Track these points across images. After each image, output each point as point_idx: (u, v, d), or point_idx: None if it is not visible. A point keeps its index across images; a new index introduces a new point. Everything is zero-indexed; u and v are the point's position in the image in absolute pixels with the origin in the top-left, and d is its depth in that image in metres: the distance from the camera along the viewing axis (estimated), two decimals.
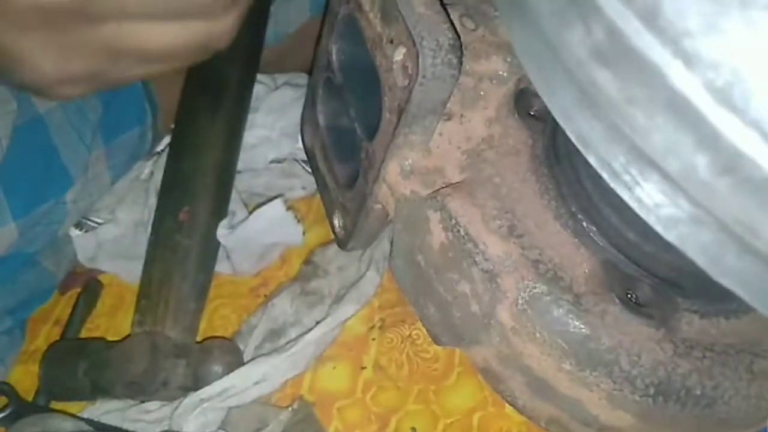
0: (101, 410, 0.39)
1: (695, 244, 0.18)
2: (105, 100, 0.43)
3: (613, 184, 0.18)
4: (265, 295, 0.44)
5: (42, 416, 0.39)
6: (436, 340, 0.32)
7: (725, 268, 0.18)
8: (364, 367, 0.41)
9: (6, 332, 0.40)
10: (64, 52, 0.27)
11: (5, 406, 0.39)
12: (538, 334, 0.28)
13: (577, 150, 0.29)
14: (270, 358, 0.38)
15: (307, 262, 0.43)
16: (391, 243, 0.35)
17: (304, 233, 0.44)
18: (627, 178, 0.17)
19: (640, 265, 0.29)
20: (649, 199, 0.17)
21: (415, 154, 0.30)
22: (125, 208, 0.45)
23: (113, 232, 0.45)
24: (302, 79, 0.50)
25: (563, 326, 0.27)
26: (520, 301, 0.28)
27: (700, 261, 0.18)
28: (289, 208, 0.43)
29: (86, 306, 0.45)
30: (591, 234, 0.29)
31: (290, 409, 0.38)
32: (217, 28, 0.29)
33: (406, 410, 0.39)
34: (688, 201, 0.17)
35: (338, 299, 0.42)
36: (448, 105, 0.30)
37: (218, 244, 0.43)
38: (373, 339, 0.41)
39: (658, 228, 0.18)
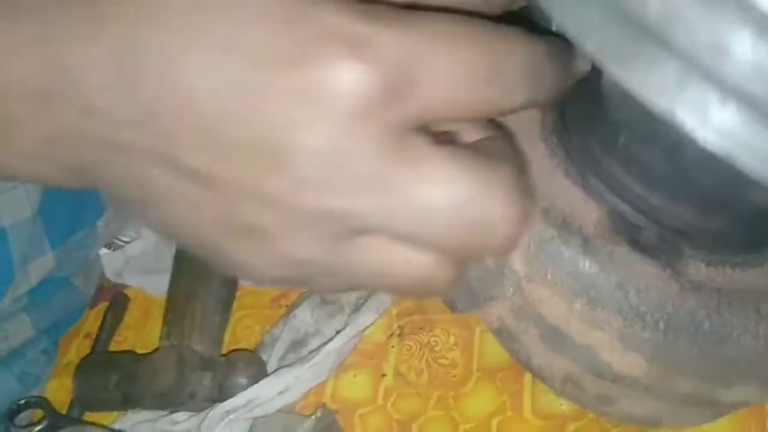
0: (132, 421, 0.41)
1: (753, 151, 0.19)
2: None
3: (658, 103, 0.18)
4: (286, 306, 0.45)
5: (76, 428, 0.40)
6: (453, 308, 0.34)
7: None
8: (385, 375, 0.42)
9: (42, 351, 0.42)
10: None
11: (42, 419, 0.41)
12: (549, 276, 0.29)
13: (584, 116, 0.31)
14: (293, 369, 0.39)
15: None
16: None
17: None
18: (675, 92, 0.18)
19: (647, 215, 0.30)
20: (699, 109, 0.18)
21: None
22: None
23: (139, 248, 0.47)
24: None
25: (573, 266, 0.29)
26: (532, 246, 0.29)
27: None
28: None
29: (114, 319, 0.46)
30: (599, 189, 0.30)
31: (314, 417, 0.39)
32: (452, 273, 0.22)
33: (426, 416, 0.40)
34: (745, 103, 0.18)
35: (357, 308, 0.43)
36: None
37: None
38: (393, 347, 0.43)
39: (713, 142, 0.18)
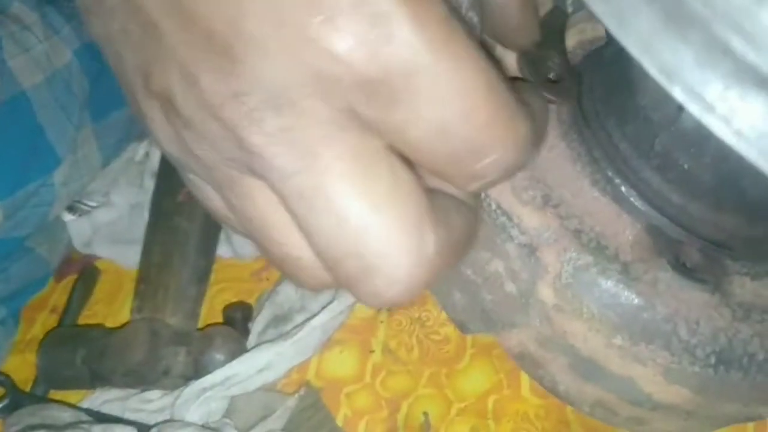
0: (101, 399, 0.38)
1: None
2: (92, 76, 0.41)
3: (705, 119, 0.15)
4: (268, 279, 0.43)
5: (40, 406, 0.37)
6: (463, 329, 0.30)
7: None
8: (373, 351, 0.39)
9: (0, 323, 0.39)
10: None
11: (2, 397, 0.38)
12: (585, 309, 0.26)
13: (609, 110, 0.28)
14: (275, 345, 0.36)
15: None
16: None
17: None
18: (724, 107, 0.15)
19: (686, 228, 0.27)
20: (751, 128, 0.15)
21: None
22: (120, 190, 0.43)
23: (108, 215, 0.44)
24: None
25: (613, 298, 0.26)
26: (564, 275, 0.26)
27: None
28: None
29: (83, 293, 0.43)
30: (631, 198, 0.27)
31: (297, 395, 0.37)
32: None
33: (417, 395, 0.38)
34: None
35: None
36: None
37: (219, 226, 0.42)
38: (382, 321, 0.40)
39: (763, 163, 0.15)
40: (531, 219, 0.27)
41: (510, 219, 0.27)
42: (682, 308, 0.26)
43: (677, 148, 0.26)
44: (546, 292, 0.27)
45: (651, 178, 0.27)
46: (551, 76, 0.29)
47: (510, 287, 0.27)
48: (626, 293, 0.26)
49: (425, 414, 0.37)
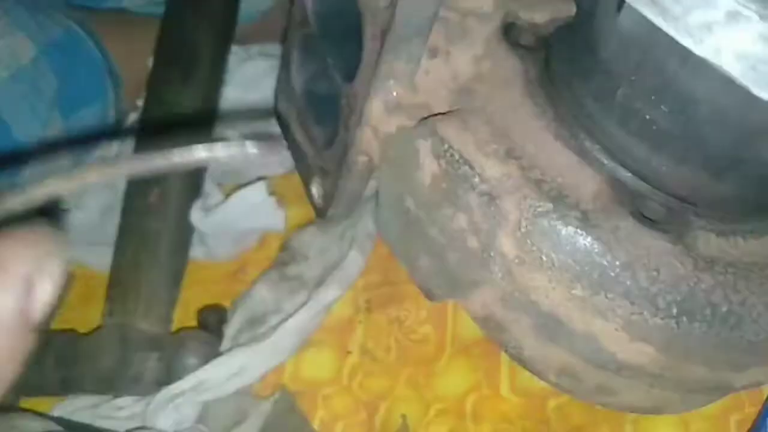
0: (71, 407, 0.37)
1: None
2: (60, 72, 0.40)
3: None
4: (243, 280, 0.42)
5: (10, 416, 0.37)
6: (430, 295, 0.30)
7: None
8: (350, 352, 0.38)
9: None
10: None
11: None
12: (544, 258, 0.26)
13: (575, 70, 0.28)
14: (248, 348, 0.35)
15: (284, 248, 0.41)
16: (377, 200, 0.33)
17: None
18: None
19: (650, 182, 0.27)
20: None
21: (400, 88, 0.28)
22: (91, 192, 0.42)
23: (80, 218, 0.43)
24: (276, 49, 0.47)
25: (572, 245, 0.26)
26: (523, 223, 0.26)
27: None
28: (272, 193, 0.41)
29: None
30: (594, 153, 0.27)
31: (271, 399, 0.36)
32: None
33: (395, 396, 0.37)
34: None
35: (321, 282, 0.39)
36: (433, 40, 0.28)
37: (192, 227, 0.41)
38: (360, 322, 0.39)
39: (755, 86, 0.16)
40: (493, 169, 0.27)
41: (472, 168, 0.27)
42: (641, 255, 0.25)
43: (638, 97, 0.26)
44: (507, 243, 0.26)
45: (614, 131, 0.27)
46: (522, 42, 0.30)
47: (472, 242, 0.27)
48: (585, 240, 0.26)
49: (403, 416, 0.36)
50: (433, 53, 0.29)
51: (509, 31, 0.30)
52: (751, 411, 0.35)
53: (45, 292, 0.15)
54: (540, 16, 0.31)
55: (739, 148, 0.25)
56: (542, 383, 0.37)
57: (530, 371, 0.30)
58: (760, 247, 0.27)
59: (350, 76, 0.31)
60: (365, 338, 0.39)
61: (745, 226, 0.28)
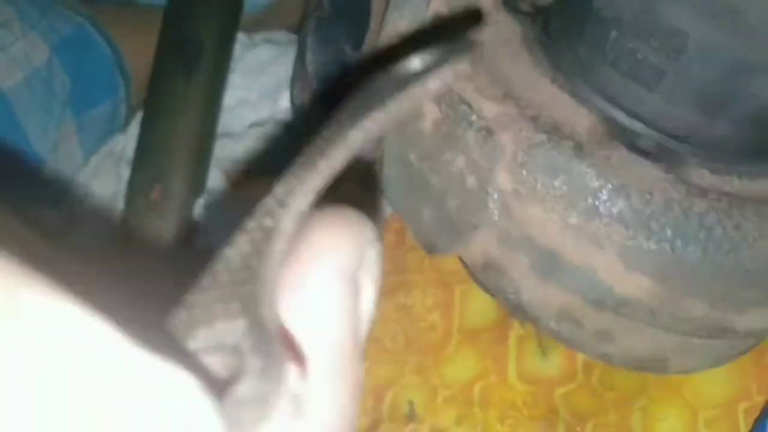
0: None
1: None
2: (73, 72, 0.40)
3: None
4: None
5: None
6: (432, 249, 0.31)
7: None
8: None
9: None
10: None
11: None
12: (540, 186, 0.26)
13: (571, 26, 0.29)
14: None
15: None
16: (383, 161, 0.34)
17: None
18: None
19: (644, 121, 0.28)
20: None
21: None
22: (98, 182, 0.43)
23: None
24: (283, 36, 0.47)
25: (567, 172, 0.26)
26: (519, 155, 0.26)
27: None
28: None
29: None
30: (589, 94, 0.28)
31: None
32: None
33: (402, 383, 0.37)
34: None
35: None
36: (435, 5, 0.30)
37: (195, 224, 0.41)
38: None
39: None
40: (491, 108, 0.28)
41: (470, 107, 0.28)
42: (634, 179, 0.26)
43: (629, 37, 0.27)
44: (503, 176, 0.27)
45: (608, 74, 0.28)
46: (523, 8, 0.32)
47: (471, 182, 0.28)
48: (579, 166, 0.26)
49: (410, 403, 0.36)
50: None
51: (509, 0, 0.32)
52: (759, 399, 0.34)
53: (369, 299, 0.12)
54: None
55: (730, 85, 0.26)
56: (550, 371, 0.37)
57: (530, 321, 0.30)
58: (756, 187, 0.28)
59: (359, 45, 0.33)
60: (373, 325, 0.39)
61: (741, 167, 0.28)
